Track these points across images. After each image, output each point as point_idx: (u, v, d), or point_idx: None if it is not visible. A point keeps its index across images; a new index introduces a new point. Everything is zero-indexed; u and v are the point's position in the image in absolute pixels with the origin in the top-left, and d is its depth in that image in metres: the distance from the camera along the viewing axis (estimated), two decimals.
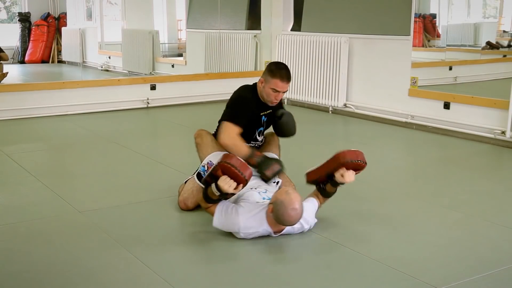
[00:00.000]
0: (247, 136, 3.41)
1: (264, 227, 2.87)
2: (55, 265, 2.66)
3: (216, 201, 2.92)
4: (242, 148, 3.25)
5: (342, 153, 2.96)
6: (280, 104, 3.59)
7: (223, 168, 2.78)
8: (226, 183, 2.79)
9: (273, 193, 2.97)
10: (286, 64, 3.45)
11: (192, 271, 2.66)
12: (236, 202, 3.01)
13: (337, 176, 2.97)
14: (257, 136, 3.54)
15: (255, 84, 3.46)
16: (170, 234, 3.06)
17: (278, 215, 2.75)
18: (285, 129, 3.55)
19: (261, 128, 3.53)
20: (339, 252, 2.82)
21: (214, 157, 3.20)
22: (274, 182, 3.29)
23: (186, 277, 2.58)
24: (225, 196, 2.87)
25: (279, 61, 3.42)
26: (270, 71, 3.32)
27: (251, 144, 3.47)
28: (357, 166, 3.00)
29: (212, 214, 2.93)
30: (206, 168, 3.22)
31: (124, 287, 2.49)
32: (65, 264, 2.68)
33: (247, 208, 2.91)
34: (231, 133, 3.28)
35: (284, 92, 3.37)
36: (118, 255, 2.77)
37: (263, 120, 3.50)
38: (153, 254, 2.78)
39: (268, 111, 3.50)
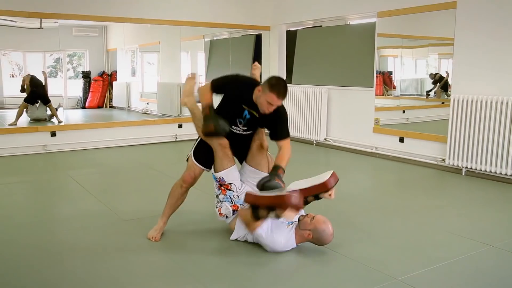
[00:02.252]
0: (228, 117, 2.88)
1: (294, 246, 2.78)
2: (105, 264, 2.64)
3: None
4: (205, 97, 2.85)
5: (328, 182, 2.78)
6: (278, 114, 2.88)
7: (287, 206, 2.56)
8: (291, 216, 2.70)
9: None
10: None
11: (226, 274, 2.60)
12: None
13: (326, 196, 2.80)
14: (238, 124, 2.93)
15: (255, 85, 2.81)
16: (203, 239, 3.01)
17: (320, 240, 2.73)
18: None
19: (241, 120, 2.90)
20: (322, 253, 2.79)
21: (228, 175, 2.89)
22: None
23: (220, 279, 2.53)
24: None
25: (280, 77, 2.82)
26: (270, 84, 2.71)
27: (232, 129, 2.92)
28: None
29: (254, 229, 2.71)
30: (217, 181, 2.94)
31: (163, 286, 2.43)
32: (113, 264, 2.65)
33: (280, 229, 2.74)
34: (205, 86, 2.87)
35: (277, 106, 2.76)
36: (157, 256, 2.74)
37: (245, 115, 2.88)
38: (190, 256, 2.72)
39: (253, 111, 2.85)
